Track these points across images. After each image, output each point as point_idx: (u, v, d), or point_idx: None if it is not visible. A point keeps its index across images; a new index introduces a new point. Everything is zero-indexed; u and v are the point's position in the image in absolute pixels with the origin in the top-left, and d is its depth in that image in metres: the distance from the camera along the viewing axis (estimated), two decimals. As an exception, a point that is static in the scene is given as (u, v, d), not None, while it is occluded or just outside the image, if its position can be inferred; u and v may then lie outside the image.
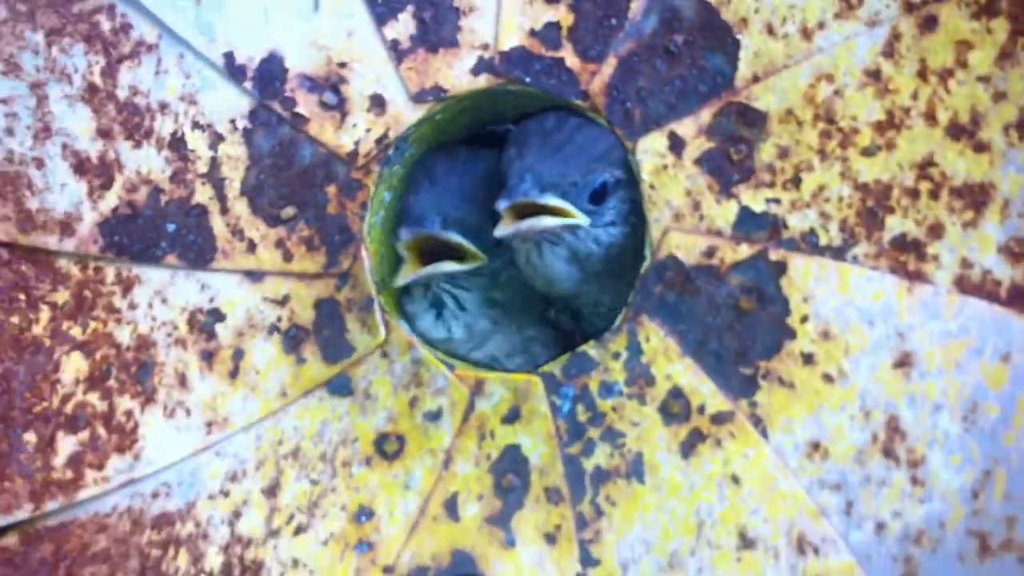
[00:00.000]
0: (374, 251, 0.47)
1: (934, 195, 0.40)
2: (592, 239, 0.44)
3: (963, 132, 0.41)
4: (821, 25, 0.41)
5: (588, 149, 0.44)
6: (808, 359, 0.41)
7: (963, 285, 0.40)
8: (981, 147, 0.40)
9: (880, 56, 0.41)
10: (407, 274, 0.44)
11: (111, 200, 0.46)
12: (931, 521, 0.40)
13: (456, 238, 0.45)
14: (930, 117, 0.41)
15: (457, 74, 0.45)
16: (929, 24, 0.40)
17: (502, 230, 0.42)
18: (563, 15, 0.44)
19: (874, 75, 0.41)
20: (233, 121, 0.46)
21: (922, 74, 0.41)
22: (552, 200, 0.42)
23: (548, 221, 0.42)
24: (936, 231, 0.40)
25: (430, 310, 0.47)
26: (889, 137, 0.41)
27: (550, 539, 0.44)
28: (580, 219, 0.43)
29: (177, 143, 0.47)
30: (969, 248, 0.40)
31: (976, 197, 0.40)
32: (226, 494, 0.46)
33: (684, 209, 0.42)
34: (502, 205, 0.42)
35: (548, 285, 0.45)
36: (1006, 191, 0.39)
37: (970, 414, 0.39)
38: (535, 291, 0.47)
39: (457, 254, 0.45)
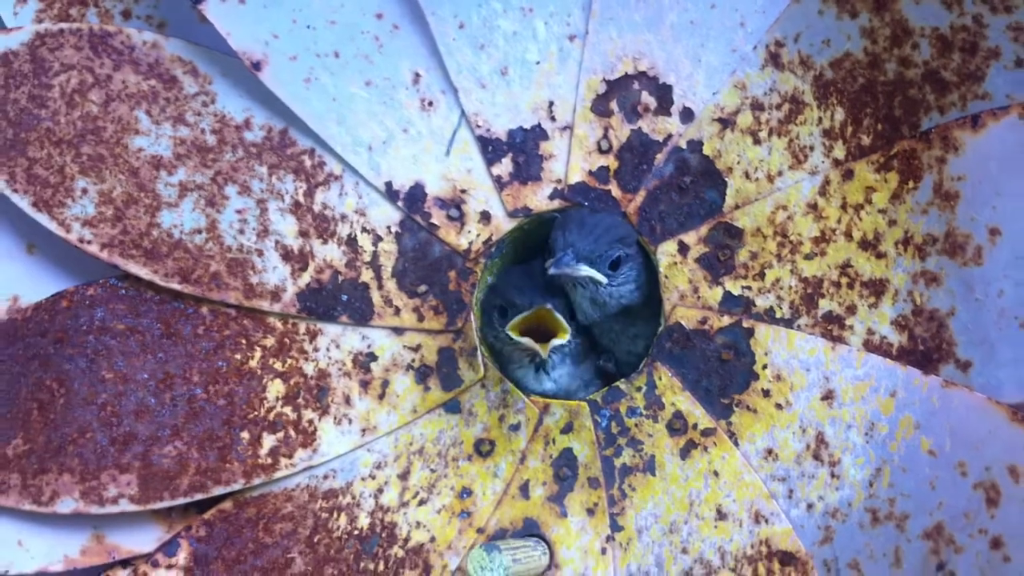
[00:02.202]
0: (478, 316, 0.57)
1: (850, 286, 0.52)
2: (607, 293, 0.55)
3: (869, 245, 0.52)
4: (780, 173, 0.53)
5: (609, 233, 0.54)
6: (766, 393, 0.52)
7: (868, 346, 0.51)
8: (880, 255, 0.51)
9: (817, 194, 0.52)
10: (545, 349, 0.53)
11: (306, 278, 0.57)
12: (843, 502, 0.51)
13: (589, 271, 0.54)
14: (848, 235, 0.52)
15: (539, 199, 0.56)
16: (848, 175, 0.52)
17: (552, 271, 0.53)
18: (611, 162, 0.55)
19: (813, 206, 0.52)
20: (389, 227, 0.57)
21: (843, 207, 0.52)
22: (584, 270, 0.53)
23: (582, 271, 0.53)
24: (851, 310, 0.52)
25: (530, 367, 0.57)
26: (822, 247, 0.52)
27: (590, 512, 0.54)
28: (600, 278, 0.54)
29: (351, 241, 0.57)
30: (872, 321, 0.51)
31: (877, 288, 0.51)
32: (373, 477, 0.57)
33: (687, 292, 0.54)
34: (552, 271, 0.53)
35: (583, 317, 0.56)
36: (896, 284, 0.51)
37: (869, 431, 0.50)
38: (594, 350, 0.59)
39: (551, 332, 0.54)
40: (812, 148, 0.52)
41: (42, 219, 0.56)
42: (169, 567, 0.56)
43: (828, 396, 0.52)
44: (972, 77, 0.49)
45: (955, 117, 0.49)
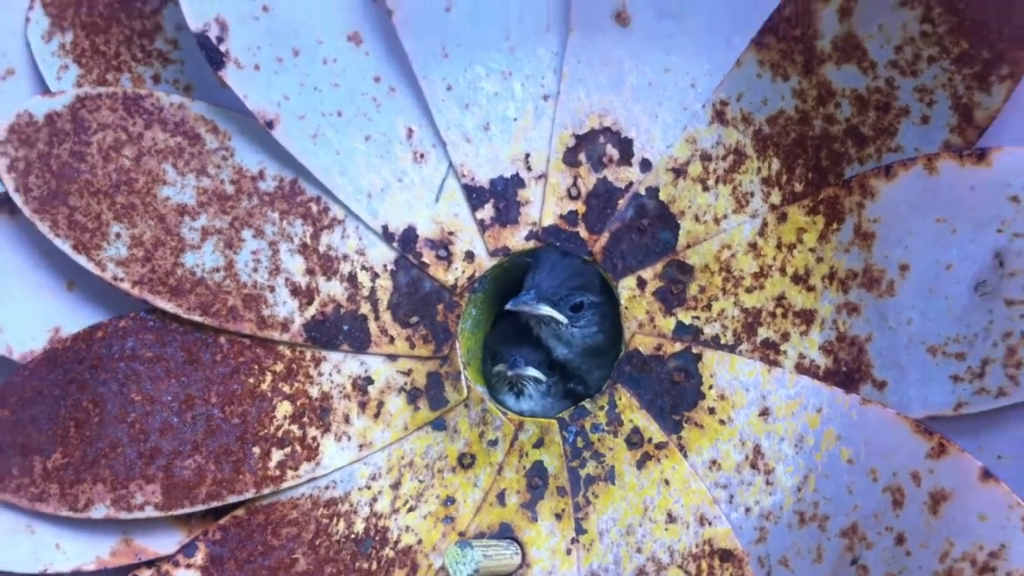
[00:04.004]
0: (463, 343, 0.61)
1: (784, 316, 0.54)
2: (570, 333, 0.60)
3: (800, 280, 0.54)
4: (725, 216, 0.56)
5: (572, 280, 0.58)
6: (711, 411, 0.55)
7: (799, 368, 0.54)
8: (810, 288, 0.54)
9: (757, 235, 0.55)
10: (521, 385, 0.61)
11: (311, 311, 0.62)
12: (775, 506, 0.53)
13: (535, 372, 0.61)
14: (783, 271, 0.54)
15: (517, 240, 0.60)
16: (783, 218, 0.55)
17: (509, 306, 0.58)
18: (580, 207, 0.59)
19: (753, 245, 0.55)
20: (385, 266, 0.61)
21: (779, 246, 0.55)
22: (544, 309, 0.58)
23: (542, 310, 0.58)
24: (785, 337, 0.54)
25: (510, 393, 0.62)
26: (760, 281, 0.55)
27: (558, 517, 0.57)
28: (560, 317, 0.59)
29: (352, 278, 0.62)
30: (803, 347, 0.54)
31: (807, 317, 0.54)
32: (368, 487, 0.60)
33: (644, 321, 0.57)
34: (509, 306, 0.58)
35: (555, 354, 0.61)
36: (823, 314, 0.53)
37: (799, 443, 0.53)
38: (566, 378, 0.64)
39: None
40: (752, 194, 0.56)
41: (81, 260, 0.62)
42: (188, 566, 0.62)
43: (765, 413, 0.55)
44: (886, 132, 0.52)
45: (872, 167, 0.52)
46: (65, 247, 0.61)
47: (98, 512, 0.61)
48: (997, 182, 0.50)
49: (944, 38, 0.52)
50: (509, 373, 0.61)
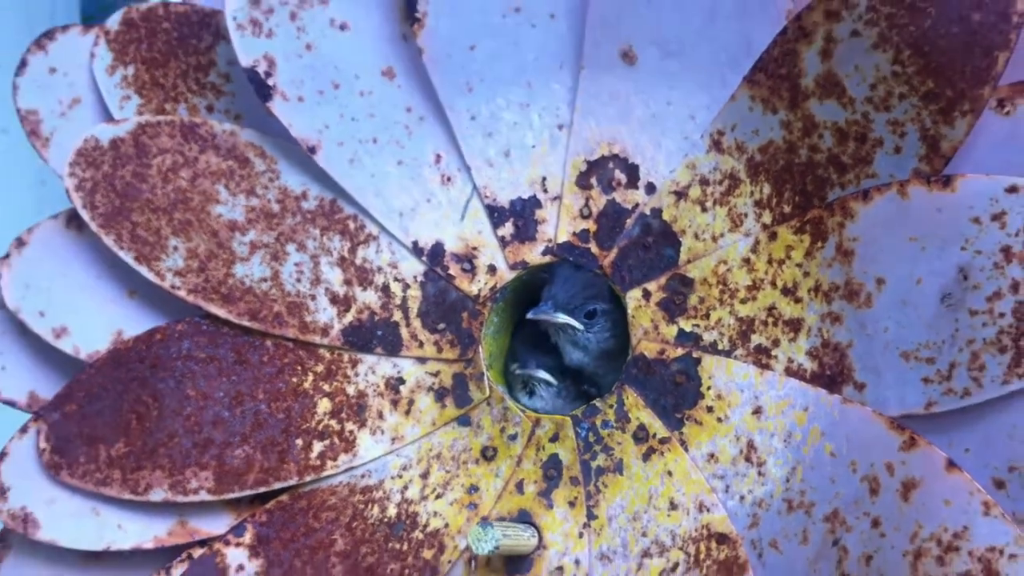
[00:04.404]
0: (486, 348, 0.64)
1: (775, 324, 0.57)
2: (585, 339, 0.63)
3: (789, 292, 0.57)
4: (721, 235, 0.58)
5: (586, 291, 0.62)
6: (710, 410, 0.58)
7: (788, 371, 0.56)
8: (797, 300, 0.56)
9: (750, 251, 0.58)
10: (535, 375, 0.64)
11: (349, 318, 0.65)
12: (766, 495, 0.55)
13: (545, 375, 0.65)
14: (773, 284, 0.57)
15: (534, 255, 0.63)
16: (773, 236, 0.57)
17: (530, 315, 0.62)
18: (591, 225, 0.62)
19: (747, 261, 0.58)
20: (415, 277, 0.65)
21: (770, 261, 0.57)
22: (560, 317, 0.62)
23: (559, 318, 0.62)
24: (776, 343, 0.57)
25: (524, 392, 0.66)
26: (753, 293, 0.58)
27: (571, 504, 0.60)
28: (576, 324, 0.62)
29: (385, 288, 0.65)
30: (792, 352, 0.56)
31: (795, 326, 0.56)
32: (400, 477, 0.64)
33: (649, 329, 0.60)
34: (530, 315, 0.62)
35: (569, 360, 0.64)
36: (809, 323, 0.56)
37: (788, 438, 0.55)
38: (581, 382, 0.66)
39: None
40: (746, 215, 0.59)
41: (142, 270, 0.66)
42: (237, 545, 0.65)
43: (757, 411, 0.57)
44: (863, 161, 0.55)
45: (851, 191, 0.55)
46: (128, 259, 0.66)
47: (156, 496, 0.64)
48: (961, 205, 0.52)
49: (912, 78, 0.56)
50: (518, 372, 0.65)
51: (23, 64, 0.69)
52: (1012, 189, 0.54)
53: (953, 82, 0.56)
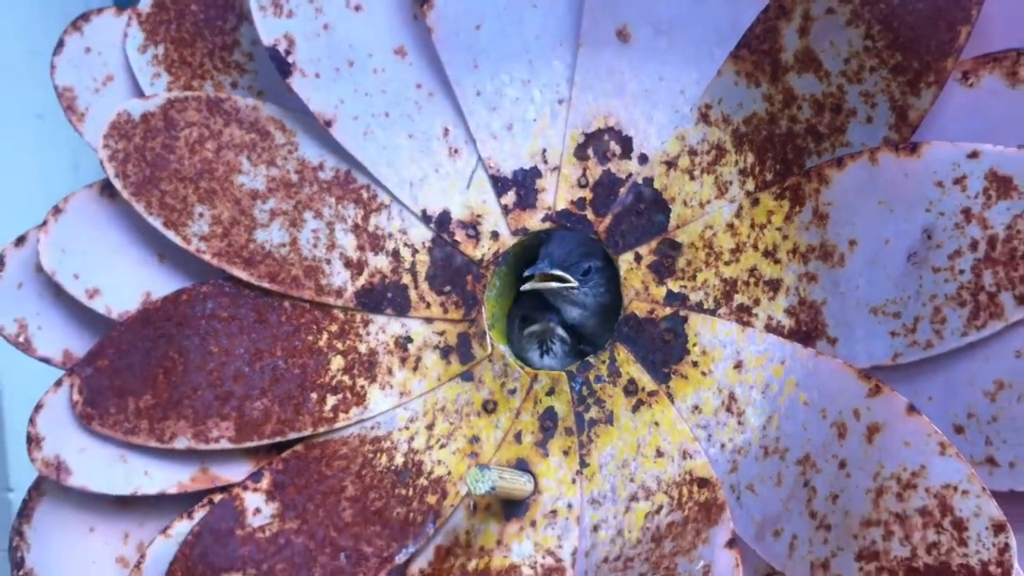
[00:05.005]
0: (488, 309, 0.67)
1: (756, 284, 0.60)
2: (583, 294, 0.65)
3: (769, 254, 0.59)
4: (708, 201, 0.62)
5: (579, 249, 0.64)
6: (695, 364, 0.61)
7: (767, 328, 0.59)
8: (777, 261, 0.59)
9: (734, 217, 0.61)
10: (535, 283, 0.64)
11: (361, 281, 0.68)
12: (745, 442, 0.58)
13: (564, 333, 0.68)
14: (755, 247, 0.60)
15: (535, 221, 0.66)
16: (755, 202, 0.60)
17: (528, 287, 0.64)
18: (588, 194, 0.65)
19: (731, 226, 0.61)
20: (423, 243, 0.68)
21: (752, 226, 0.60)
22: (556, 271, 0.63)
23: (552, 285, 0.63)
24: (756, 302, 0.60)
25: (536, 350, 0.68)
26: (737, 256, 0.60)
27: (565, 453, 0.63)
28: (573, 283, 0.64)
29: (395, 253, 0.68)
30: (771, 310, 0.59)
31: (774, 286, 0.59)
32: (407, 428, 0.67)
33: (640, 290, 0.63)
34: (527, 272, 0.64)
35: (570, 318, 0.67)
36: (788, 283, 0.59)
37: (765, 390, 0.58)
38: (582, 338, 0.68)
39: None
40: (731, 183, 0.62)
41: (170, 235, 0.70)
42: (255, 491, 0.69)
43: (738, 365, 0.60)
44: (838, 130, 0.58)
45: (827, 159, 0.58)
46: (157, 224, 0.69)
47: (180, 444, 0.68)
48: (926, 170, 0.55)
49: (882, 51, 0.59)
50: (536, 328, 0.67)
51: (60, 44, 0.73)
52: (973, 155, 0.57)
53: (920, 55, 0.59)
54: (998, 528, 0.51)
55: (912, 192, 0.57)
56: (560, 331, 0.67)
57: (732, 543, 0.58)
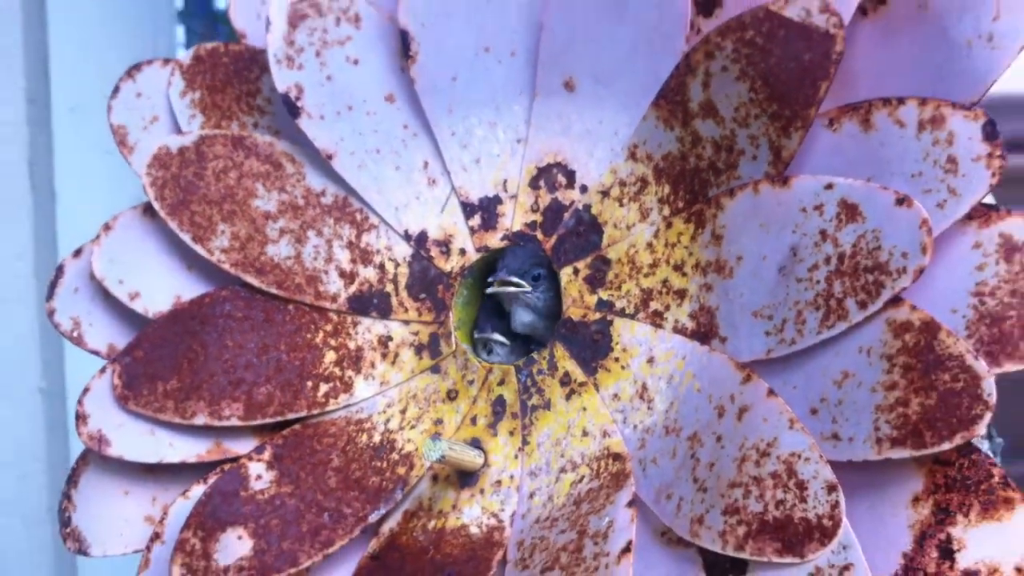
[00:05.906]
0: (455, 314, 0.74)
1: (667, 293, 0.66)
2: (536, 299, 0.71)
3: (678, 268, 0.66)
4: (633, 225, 0.66)
5: (530, 260, 0.71)
6: (617, 360, 0.67)
7: (674, 329, 0.65)
8: (684, 274, 0.65)
9: (653, 237, 0.66)
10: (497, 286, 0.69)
11: (353, 288, 0.75)
12: (652, 424, 0.65)
13: (499, 337, 0.73)
14: (668, 262, 0.66)
15: (495, 240, 0.72)
16: (669, 225, 0.65)
17: (491, 291, 0.70)
18: (538, 218, 0.71)
19: (650, 245, 0.66)
20: (405, 258, 0.75)
21: (666, 244, 0.66)
22: (513, 279, 0.69)
23: (510, 289, 0.69)
24: (667, 307, 0.66)
25: (485, 351, 0.74)
26: (653, 269, 0.67)
27: (511, 434, 0.70)
28: (526, 286, 0.70)
29: (382, 266, 0.75)
30: (678, 315, 0.65)
31: (681, 294, 0.65)
32: (384, 412, 0.73)
33: (576, 297, 0.69)
34: (490, 279, 0.70)
35: (521, 327, 0.72)
36: (691, 292, 0.64)
37: (670, 380, 0.64)
38: (528, 341, 0.72)
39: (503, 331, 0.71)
40: (651, 209, 0.68)
41: (197, 248, 0.77)
42: (259, 461, 0.74)
43: (651, 360, 0.67)
44: (731, 166, 0.65)
45: (723, 189, 0.64)
46: (187, 239, 0.76)
47: (199, 421, 0.74)
48: (794, 199, 0.61)
49: (763, 102, 0.63)
50: (476, 335, 0.74)
51: (116, 90, 0.81)
52: (829, 186, 0.59)
53: (791, 104, 0.62)
54: (831, 488, 0.56)
55: (783, 216, 0.61)
56: (497, 336, 0.73)
57: (632, 504, 0.62)
